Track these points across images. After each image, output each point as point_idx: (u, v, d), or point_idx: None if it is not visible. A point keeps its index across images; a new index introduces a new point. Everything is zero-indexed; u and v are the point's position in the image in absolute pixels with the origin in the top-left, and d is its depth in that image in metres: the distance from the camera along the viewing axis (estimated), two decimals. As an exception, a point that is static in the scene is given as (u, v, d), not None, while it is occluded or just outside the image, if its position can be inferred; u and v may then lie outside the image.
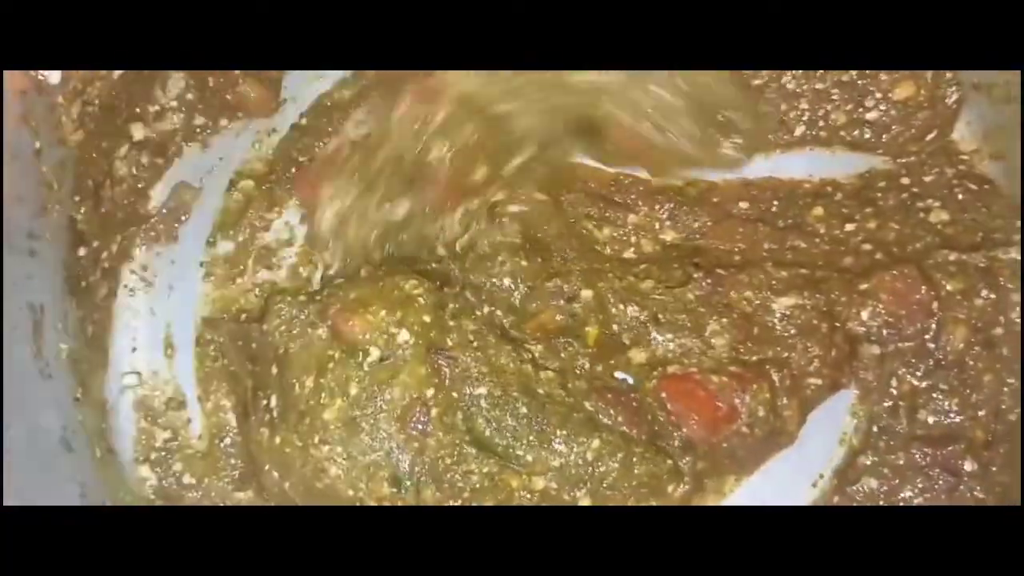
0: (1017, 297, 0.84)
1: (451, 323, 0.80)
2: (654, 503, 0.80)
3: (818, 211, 0.91)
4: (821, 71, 0.90)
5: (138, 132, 0.90)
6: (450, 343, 0.79)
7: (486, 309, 0.85)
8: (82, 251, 0.86)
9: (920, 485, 0.83)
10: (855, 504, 0.84)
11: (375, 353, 0.78)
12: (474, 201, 0.87)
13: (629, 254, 0.91)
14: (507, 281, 0.86)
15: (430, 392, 0.78)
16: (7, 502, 0.71)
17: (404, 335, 0.78)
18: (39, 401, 0.80)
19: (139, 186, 0.91)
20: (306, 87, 0.96)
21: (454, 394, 0.78)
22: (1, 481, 0.71)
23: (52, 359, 0.81)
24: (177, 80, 0.92)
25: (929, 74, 0.90)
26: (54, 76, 0.79)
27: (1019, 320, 0.84)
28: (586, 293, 0.86)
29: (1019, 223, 0.87)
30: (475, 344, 0.79)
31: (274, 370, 0.82)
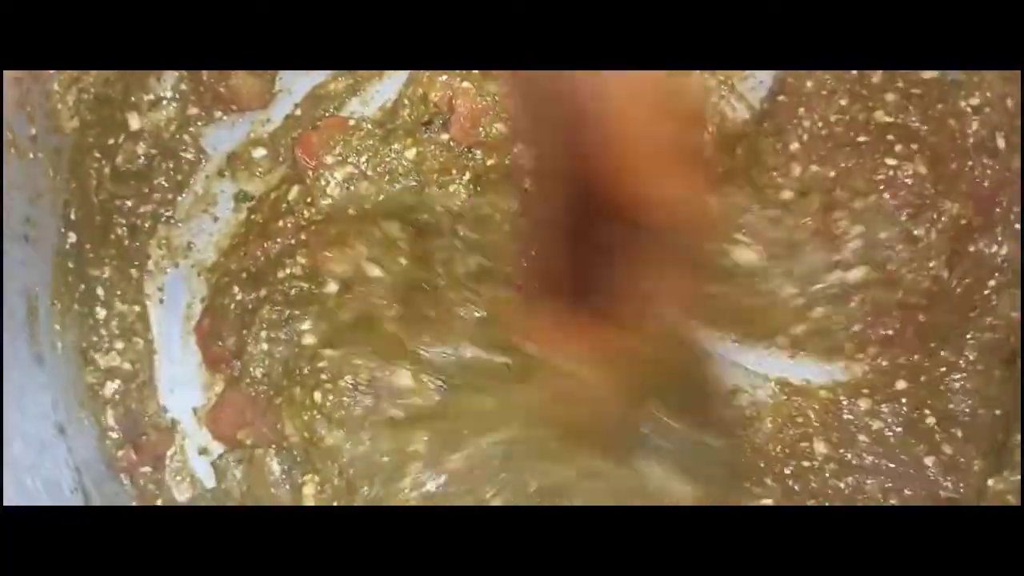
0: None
1: (439, 269, 0.81)
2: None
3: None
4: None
5: (135, 121, 0.91)
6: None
7: (479, 259, 0.86)
8: (76, 237, 0.86)
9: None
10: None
11: (332, 287, 0.81)
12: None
13: None
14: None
15: None
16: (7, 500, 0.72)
17: (376, 272, 0.80)
18: (34, 386, 0.80)
19: (134, 174, 0.92)
20: (300, 78, 0.97)
21: None
22: (1, 482, 0.71)
23: (46, 343, 0.82)
24: (172, 71, 0.93)
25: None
26: (50, 63, 0.80)
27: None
28: None
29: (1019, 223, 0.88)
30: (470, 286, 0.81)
31: None
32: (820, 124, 0.91)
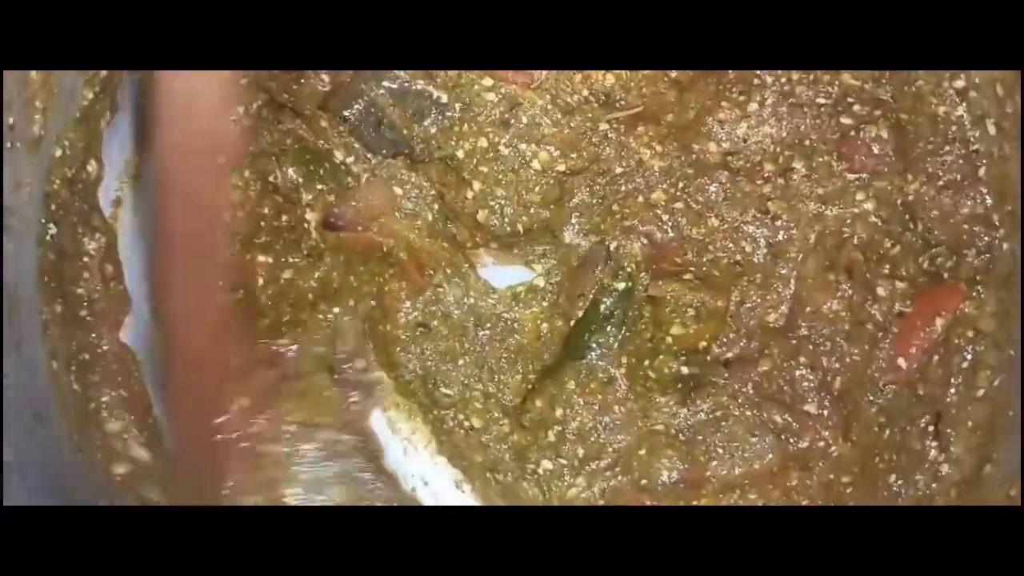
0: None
1: None
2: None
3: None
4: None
5: (114, 109, 0.92)
6: None
7: None
8: (54, 228, 0.87)
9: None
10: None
11: None
12: None
13: None
14: None
15: None
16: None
17: None
18: (14, 375, 0.80)
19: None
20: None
21: None
22: (1, 482, 0.72)
23: (26, 332, 0.82)
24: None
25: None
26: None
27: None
28: None
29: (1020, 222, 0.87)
30: None
31: None
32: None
